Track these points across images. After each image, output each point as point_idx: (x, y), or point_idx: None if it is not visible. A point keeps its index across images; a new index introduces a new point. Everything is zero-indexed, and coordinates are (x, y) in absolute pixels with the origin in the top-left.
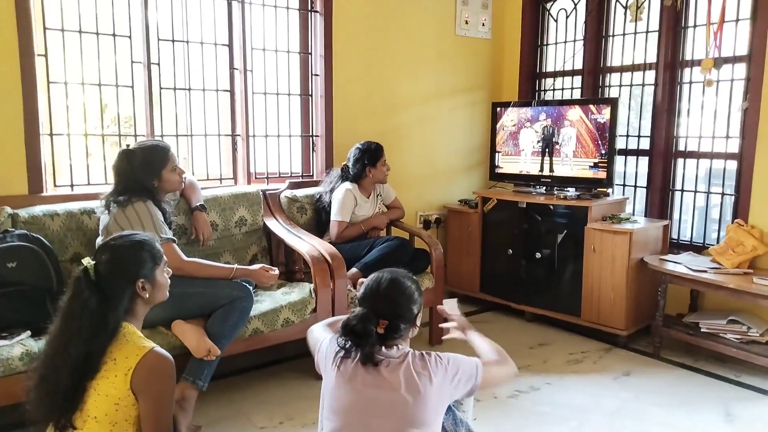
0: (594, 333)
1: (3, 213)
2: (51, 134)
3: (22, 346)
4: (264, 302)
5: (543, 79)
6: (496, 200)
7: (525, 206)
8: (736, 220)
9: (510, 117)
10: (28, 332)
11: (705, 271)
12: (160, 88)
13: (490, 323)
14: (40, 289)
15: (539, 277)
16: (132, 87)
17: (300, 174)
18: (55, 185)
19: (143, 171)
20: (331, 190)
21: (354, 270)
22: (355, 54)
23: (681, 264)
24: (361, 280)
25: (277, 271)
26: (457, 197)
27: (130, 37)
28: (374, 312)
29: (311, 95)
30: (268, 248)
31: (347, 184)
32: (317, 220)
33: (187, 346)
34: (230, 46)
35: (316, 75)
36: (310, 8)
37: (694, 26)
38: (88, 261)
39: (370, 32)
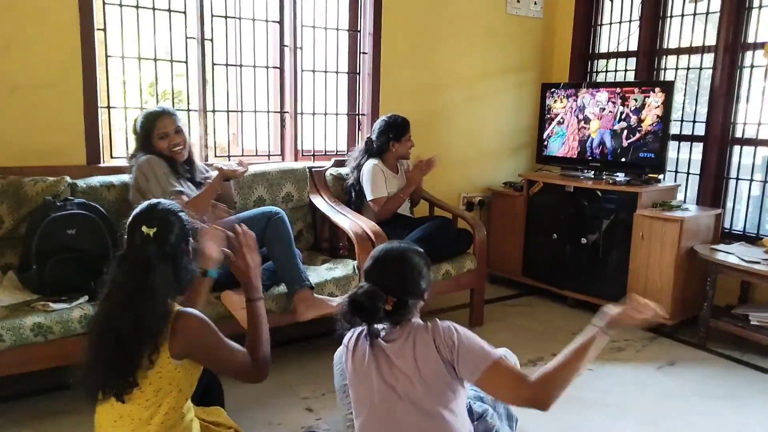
0: None
1: (63, 182)
2: (108, 107)
3: (81, 309)
4: (310, 276)
5: (596, 61)
6: (543, 184)
7: (572, 191)
8: None
9: (560, 99)
10: (86, 297)
11: (758, 262)
12: (213, 64)
13: (531, 307)
14: (98, 256)
15: (584, 263)
16: (186, 62)
17: (345, 152)
18: (111, 156)
19: (141, 134)
20: (358, 167)
21: None
22: (404, 32)
23: (733, 254)
24: None
25: (241, 167)
26: (502, 180)
27: (185, 12)
28: (382, 287)
29: (359, 74)
30: (312, 224)
31: (373, 160)
32: (348, 200)
33: (239, 320)
34: (281, 23)
35: (365, 53)
36: None
37: (760, 7)
38: (147, 229)
39: (419, 10)
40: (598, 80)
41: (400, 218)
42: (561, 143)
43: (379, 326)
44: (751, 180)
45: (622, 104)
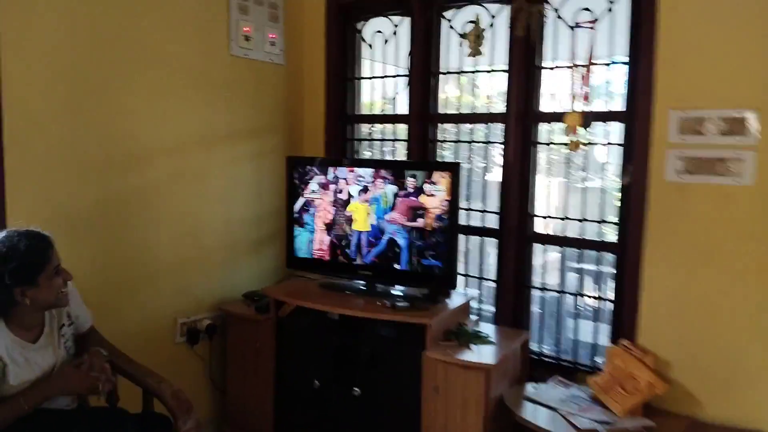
0: None
1: None
2: None
3: None
4: None
5: (358, 125)
6: (295, 306)
7: (337, 318)
8: (620, 341)
9: (313, 179)
10: None
11: (593, 431)
12: None
13: None
14: None
15: (358, 423)
16: None
17: None
18: None
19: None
20: None
21: None
22: (54, 76)
23: (555, 409)
24: None
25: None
26: (242, 290)
27: None
28: None
29: None
30: None
31: None
32: None
33: None
34: None
35: None
36: None
37: (553, 67)
38: None
39: (81, 44)
40: (364, 153)
41: (45, 414)
42: (311, 239)
43: None
44: (561, 292)
45: (398, 187)
